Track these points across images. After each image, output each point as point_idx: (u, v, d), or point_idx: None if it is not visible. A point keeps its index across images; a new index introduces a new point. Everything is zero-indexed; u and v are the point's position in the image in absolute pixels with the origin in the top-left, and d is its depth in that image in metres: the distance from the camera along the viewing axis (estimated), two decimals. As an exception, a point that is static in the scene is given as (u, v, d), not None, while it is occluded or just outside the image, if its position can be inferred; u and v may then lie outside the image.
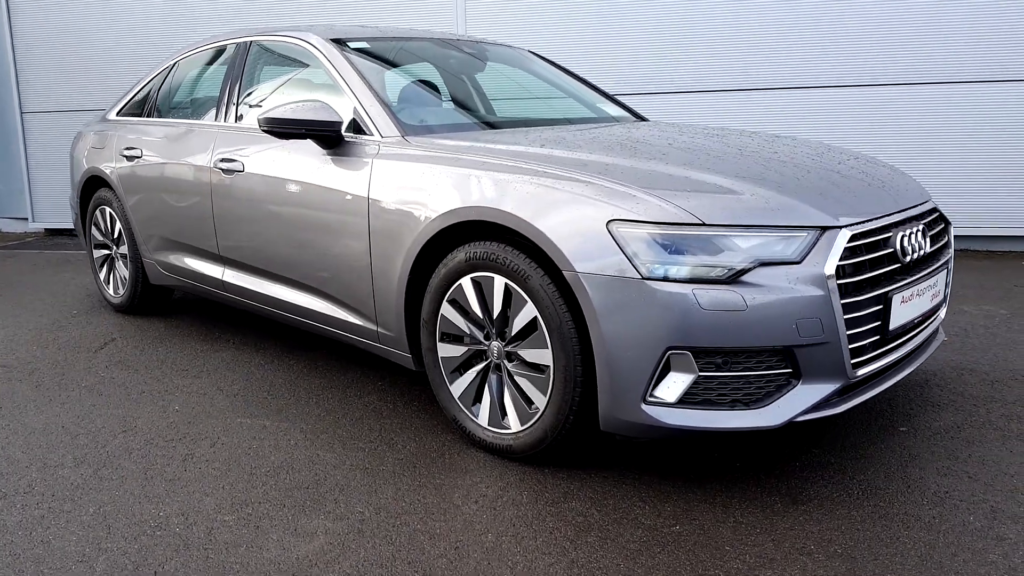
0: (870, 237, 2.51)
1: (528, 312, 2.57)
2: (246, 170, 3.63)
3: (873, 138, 6.20)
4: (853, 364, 2.44)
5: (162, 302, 4.85)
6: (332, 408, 3.27)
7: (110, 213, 4.80)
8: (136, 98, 4.88)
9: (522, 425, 2.67)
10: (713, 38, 6.42)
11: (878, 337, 2.52)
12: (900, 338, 2.64)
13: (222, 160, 3.78)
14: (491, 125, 3.56)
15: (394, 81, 3.66)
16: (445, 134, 3.17)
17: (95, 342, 4.32)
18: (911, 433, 2.89)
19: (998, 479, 2.53)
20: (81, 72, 7.96)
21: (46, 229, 8.46)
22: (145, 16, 7.69)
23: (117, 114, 4.97)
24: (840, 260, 2.37)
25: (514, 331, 2.64)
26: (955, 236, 6.02)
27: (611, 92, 6.57)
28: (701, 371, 2.34)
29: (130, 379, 3.70)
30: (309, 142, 3.30)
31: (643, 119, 4.15)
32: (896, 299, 2.52)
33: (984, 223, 6.12)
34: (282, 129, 3.15)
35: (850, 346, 2.41)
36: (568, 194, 2.49)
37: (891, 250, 2.57)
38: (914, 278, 2.63)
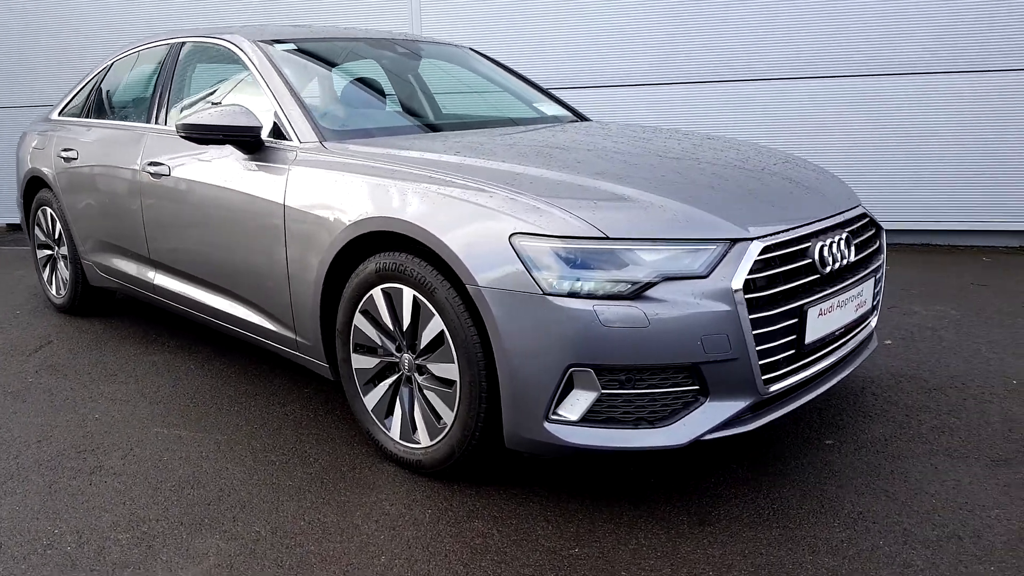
0: (785, 248, 2.44)
1: (435, 325, 2.50)
2: (172, 174, 3.55)
3: (843, 130, 6.13)
4: (765, 380, 2.37)
5: (103, 303, 4.76)
6: (252, 417, 3.19)
7: (51, 214, 4.71)
8: (76, 99, 4.78)
9: (431, 440, 2.60)
10: (674, 30, 6.33)
11: (793, 352, 2.45)
12: (818, 351, 2.57)
13: (150, 163, 3.69)
14: (420, 128, 3.47)
15: (324, 83, 3.57)
16: (365, 139, 3.08)
17: (31, 344, 4.24)
18: (836, 447, 2.82)
19: (916, 499, 2.47)
20: (36, 68, 7.83)
21: (7, 224, 8.35)
22: (98, 11, 7.56)
23: (59, 114, 4.87)
24: (751, 273, 2.30)
25: (423, 344, 2.56)
26: (916, 231, 5.96)
27: (572, 86, 6.49)
28: (604, 389, 2.27)
29: (57, 385, 3.62)
30: (232, 147, 3.20)
31: (583, 118, 4.06)
32: (812, 312, 2.45)
33: (947, 218, 6.06)
34: (199, 135, 3.07)
35: (761, 362, 2.34)
36: (473, 206, 2.42)
37: (809, 261, 2.50)
38: (834, 289, 2.55)
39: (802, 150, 6.16)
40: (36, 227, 4.94)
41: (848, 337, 2.75)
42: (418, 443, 2.65)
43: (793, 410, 2.64)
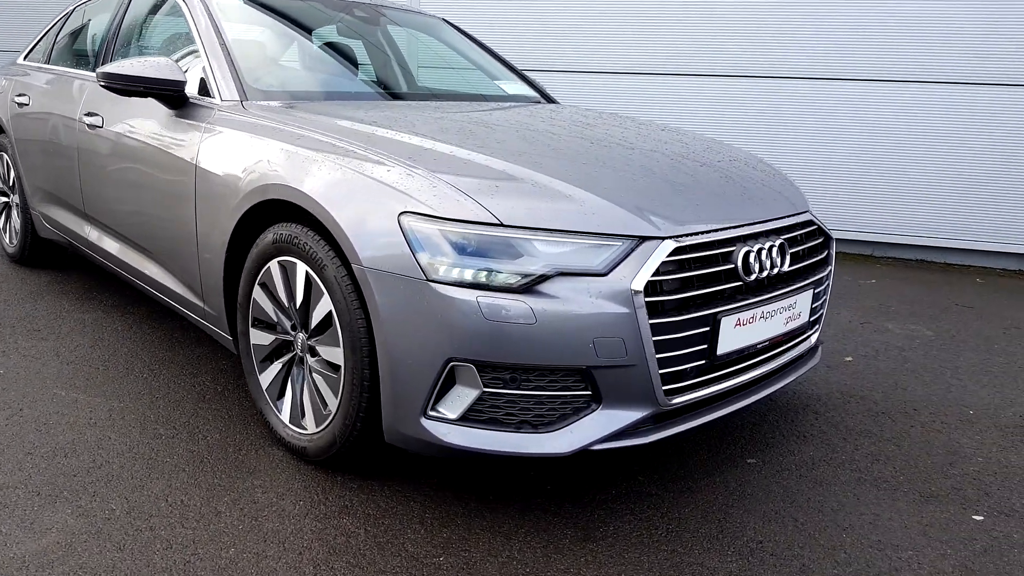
0: (703, 251, 2.24)
1: (325, 305, 2.33)
2: (105, 126, 3.40)
3: (840, 136, 5.87)
4: (666, 391, 2.19)
5: (54, 256, 4.65)
6: (158, 386, 3.05)
7: (7, 160, 4.59)
8: (40, 43, 4.65)
9: (316, 427, 2.45)
10: (674, 23, 6.09)
11: (703, 362, 2.26)
12: (734, 364, 2.38)
13: (87, 114, 3.55)
14: (364, 96, 3.30)
15: (276, 41, 3.39)
16: (291, 102, 2.91)
17: (-31, 293, 4.13)
18: (757, 467, 2.63)
19: (826, 531, 2.28)
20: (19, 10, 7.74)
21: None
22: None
23: (23, 59, 4.75)
24: (657, 274, 2.12)
25: (313, 324, 2.40)
26: (912, 245, 5.71)
27: (556, 69, 6.26)
28: (487, 387, 2.10)
29: (-23, 337, 3.50)
30: (156, 101, 3.05)
31: (551, 100, 3.86)
32: (728, 321, 2.26)
33: (944, 234, 5.80)
34: (121, 86, 2.91)
35: (662, 371, 2.15)
36: (367, 179, 2.24)
37: (731, 266, 2.30)
38: (758, 299, 2.36)
39: (797, 155, 5.91)
40: (-9, 174, 4.83)
41: (776, 351, 2.55)
42: (305, 429, 2.49)
43: (708, 424, 2.46)
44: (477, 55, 4.04)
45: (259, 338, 2.63)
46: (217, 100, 2.91)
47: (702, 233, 2.25)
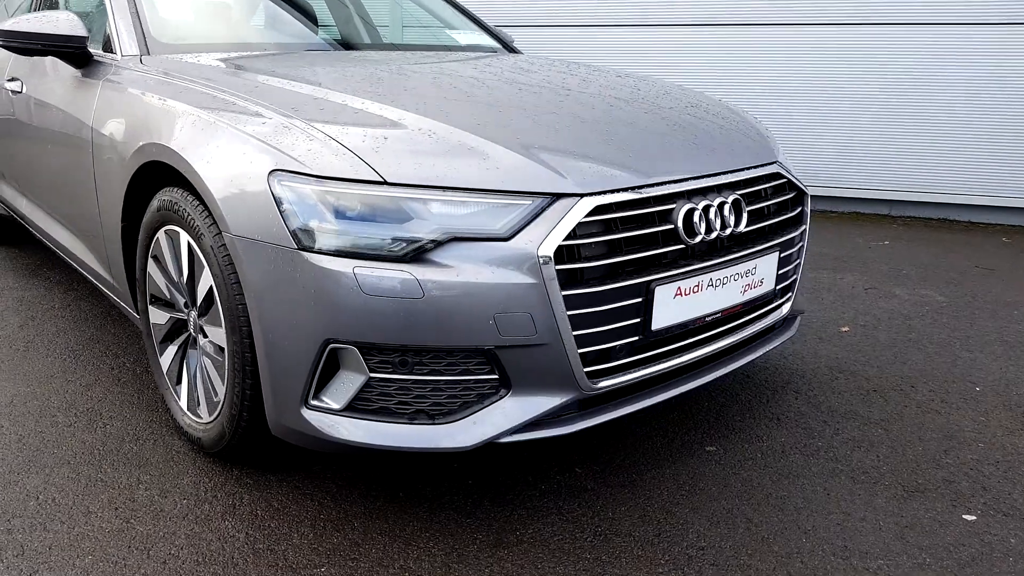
0: (634, 209, 1.92)
1: (206, 279, 2.06)
2: (24, 91, 3.15)
3: (848, 84, 5.42)
4: (590, 373, 1.88)
5: (9, 230, 4.44)
6: (75, 368, 2.82)
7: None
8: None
9: (210, 416, 2.18)
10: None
11: (635, 339, 1.94)
12: (676, 341, 2.05)
13: (9, 79, 3.30)
14: (288, 47, 2.98)
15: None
16: (197, 56, 2.61)
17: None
18: (717, 456, 2.31)
19: (783, 534, 1.96)
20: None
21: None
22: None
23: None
24: (574, 238, 1.80)
25: (198, 301, 2.13)
26: (933, 203, 5.28)
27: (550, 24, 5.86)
28: (373, 372, 1.81)
29: (-95, 317, 3.30)
30: (58, 59, 2.78)
31: (513, 51, 3.51)
32: (664, 291, 1.94)
33: (968, 190, 5.34)
34: (19, 43, 2.64)
35: (583, 350, 1.84)
36: (239, 134, 1.95)
37: (669, 227, 1.97)
38: (704, 265, 2.03)
39: (809, 108, 5.48)
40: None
41: (732, 325, 2.21)
42: (200, 418, 2.23)
43: (667, 407, 2.16)
44: (435, 4, 3.69)
45: (157, 316, 2.37)
46: (117, 56, 2.63)
47: (632, 189, 1.92)
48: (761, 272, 2.21)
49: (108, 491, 2.09)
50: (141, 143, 2.21)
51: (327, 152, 1.81)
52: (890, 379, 2.85)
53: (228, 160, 1.92)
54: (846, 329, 3.33)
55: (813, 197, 5.57)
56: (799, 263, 2.45)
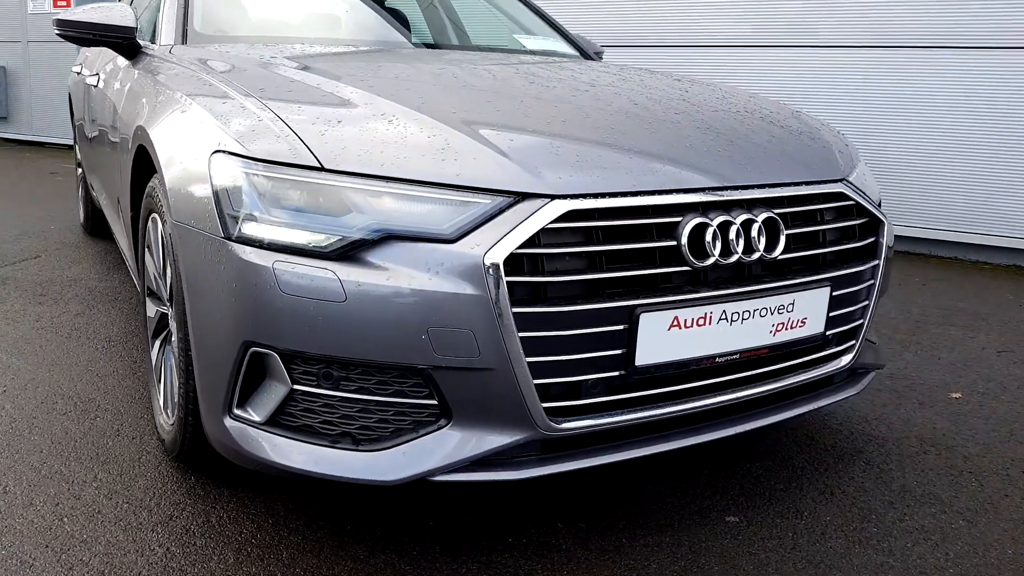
0: (624, 218, 1.60)
1: (171, 271, 1.92)
2: (98, 85, 3.22)
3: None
4: (550, 410, 1.57)
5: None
6: (103, 358, 2.79)
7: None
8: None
9: (171, 417, 2.04)
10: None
11: (616, 374, 1.61)
12: (676, 383, 1.70)
13: (92, 74, 3.40)
14: (330, 42, 2.85)
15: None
16: (225, 45, 2.53)
17: (22, 255, 4.14)
18: (736, 529, 1.92)
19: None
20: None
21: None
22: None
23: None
24: (535, 246, 1.52)
25: (169, 293, 2.00)
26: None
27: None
28: (296, 384, 1.59)
29: (-14, 297, 3.43)
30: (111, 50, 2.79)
31: (589, 57, 3.24)
32: (653, 320, 1.60)
33: None
34: (74, 33, 2.66)
35: (540, 381, 1.54)
36: (199, 114, 1.81)
37: (671, 243, 1.63)
38: (715, 294, 1.67)
39: (962, 143, 4.82)
40: (76, 143, 4.90)
41: (759, 371, 1.82)
42: (168, 419, 2.09)
43: (698, 460, 1.81)
44: (516, 10, 3.48)
45: (150, 309, 2.27)
46: (156, 45, 2.59)
47: (623, 195, 1.60)
48: (803, 310, 1.81)
49: (60, 485, 1.98)
50: (135, 126, 2.12)
51: (270, 133, 1.62)
52: (995, 460, 2.32)
53: (180, 141, 1.78)
54: (958, 395, 2.78)
55: (966, 245, 4.88)
56: (867, 304, 2.01)
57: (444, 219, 1.52)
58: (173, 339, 2.01)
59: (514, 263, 1.51)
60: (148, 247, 2.19)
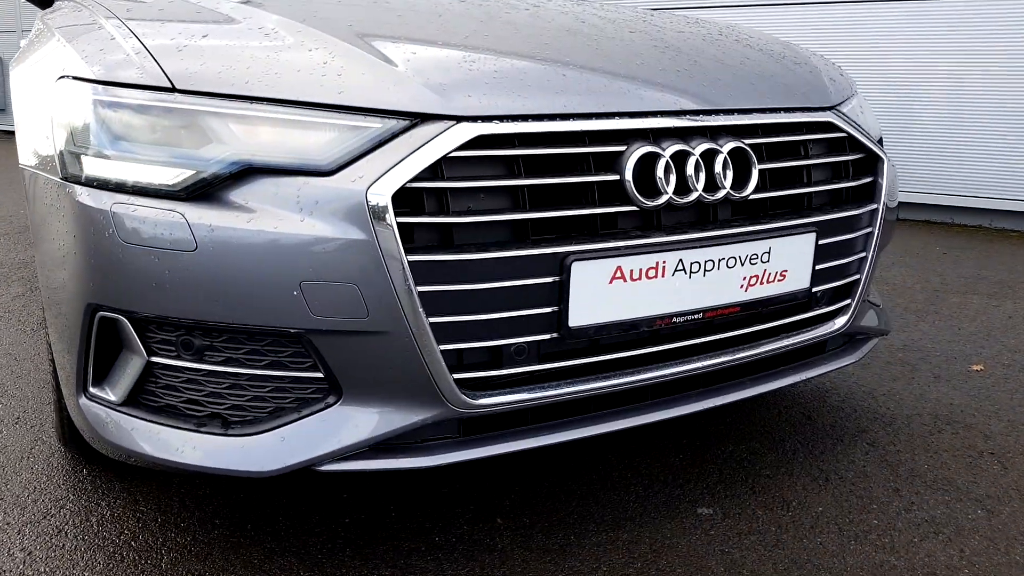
0: (548, 146, 1.30)
1: (42, 228, 1.64)
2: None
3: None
4: (462, 383, 1.27)
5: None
6: (3, 342, 2.53)
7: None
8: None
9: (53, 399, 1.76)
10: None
11: (546, 337, 1.31)
12: (625, 348, 1.40)
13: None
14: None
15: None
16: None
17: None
18: (707, 523, 1.62)
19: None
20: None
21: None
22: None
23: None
24: (437, 180, 1.22)
25: (46, 257, 1.72)
26: None
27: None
28: (153, 355, 1.30)
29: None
30: None
31: None
32: (589, 270, 1.30)
33: None
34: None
35: (446, 346, 1.24)
36: (52, 39, 1.53)
37: (613, 176, 1.33)
38: (669, 239, 1.36)
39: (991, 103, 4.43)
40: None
41: (730, 334, 1.51)
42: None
43: (676, 438, 1.53)
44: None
45: (47, 280, 1.99)
46: (64, -16, 2.30)
47: (551, 118, 1.30)
48: (781, 260, 1.50)
49: (44, 472, 1.73)
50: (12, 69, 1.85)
51: (121, 53, 1.34)
52: (1021, 440, 1.99)
53: (30, 74, 1.50)
54: (979, 368, 2.45)
55: (991, 211, 4.50)
56: (865, 257, 1.69)
57: (321, 148, 1.23)
58: (57, 311, 1.74)
59: (411, 201, 1.21)
60: (39, 208, 1.91)
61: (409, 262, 1.20)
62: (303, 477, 1.70)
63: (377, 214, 1.18)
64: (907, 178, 4.64)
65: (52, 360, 1.54)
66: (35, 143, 1.40)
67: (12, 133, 9.17)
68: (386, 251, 1.19)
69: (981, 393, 2.27)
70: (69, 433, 1.65)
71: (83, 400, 1.38)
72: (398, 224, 1.19)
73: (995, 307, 3.08)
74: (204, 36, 1.37)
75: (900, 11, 4.60)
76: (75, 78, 1.33)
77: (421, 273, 1.21)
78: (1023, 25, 4.30)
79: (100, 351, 1.34)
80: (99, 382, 1.37)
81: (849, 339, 1.80)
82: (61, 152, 1.30)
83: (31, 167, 1.41)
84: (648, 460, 1.83)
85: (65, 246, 1.30)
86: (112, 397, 1.35)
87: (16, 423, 1.99)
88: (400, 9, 1.64)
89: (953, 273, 3.53)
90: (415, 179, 1.20)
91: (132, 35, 1.37)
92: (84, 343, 1.33)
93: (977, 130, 4.52)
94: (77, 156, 1.28)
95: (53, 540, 1.53)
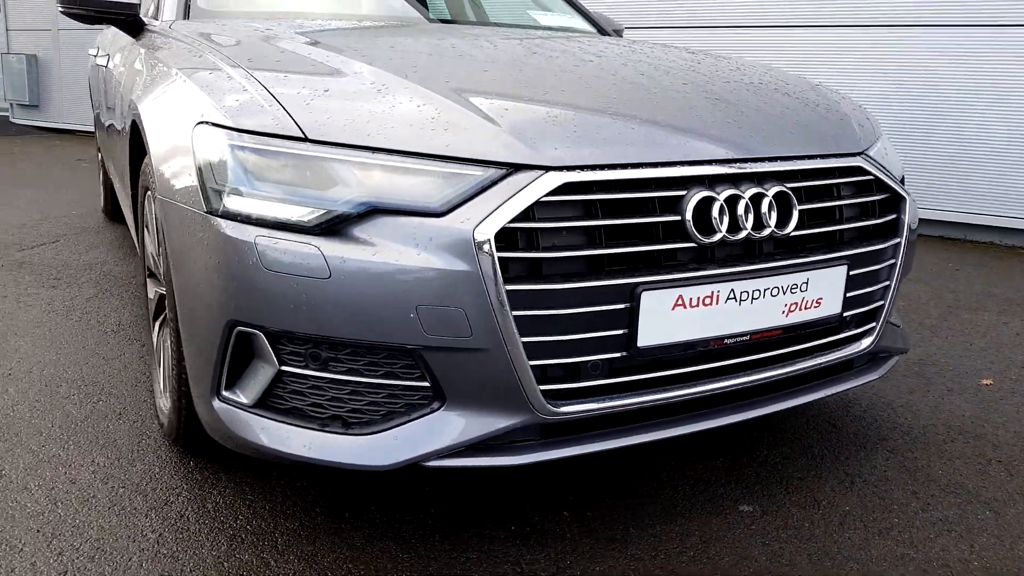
0: (622, 191, 1.52)
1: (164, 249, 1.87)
2: (107, 64, 3.19)
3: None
4: (547, 393, 1.50)
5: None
6: (110, 343, 2.77)
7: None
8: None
9: (169, 401, 1.99)
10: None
11: (618, 355, 1.53)
12: (684, 365, 1.62)
13: (101, 55, 3.37)
14: (334, 16, 2.79)
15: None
16: (226, 20, 2.47)
17: (44, 238, 4.15)
18: (749, 519, 1.83)
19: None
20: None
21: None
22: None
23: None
24: (529, 220, 1.44)
25: (165, 273, 1.95)
26: None
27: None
28: (284, 365, 1.53)
29: (7, 282, 3.43)
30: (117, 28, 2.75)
31: (606, 33, 3.15)
32: (656, 298, 1.52)
33: None
34: (78, 10, 2.61)
35: (535, 362, 1.47)
36: (185, 86, 1.75)
37: (675, 218, 1.55)
38: (723, 272, 1.59)
39: (991, 120, 4.64)
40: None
41: (772, 354, 1.73)
42: (166, 402, 2.05)
43: (717, 444, 1.74)
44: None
45: (150, 290, 2.24)
46: (158, 22, 2.54)
47: (622, 167, 1.52)
48: (817, 290, 1.72)
49: (56, 469, 1.95)
50: (132, 104, 2.08)
51: (254, 103, 1.56)
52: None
53: (166, 114, 1.73)
54: (989, 382, 2.66)
55: (1002, 230, 4.70)
56: (888, 285, 1.91)
57: (433, 192, 1.45)
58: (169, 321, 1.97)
59: (507, 238, 1.44)
60: (147, 226, 2.15)
61: (507, 290, 1.42)
62: (385, 474, 1.92)
63: (481, 250, 1.40)
64: (923, 195, 4.84)
65: (177, 365, 1.76)
66: (174, 178, 1.62)
67: (49, 129, 9.45)
68: (488, 281, 1.41)
69: (990, 406, 2.48)
70: (185, 430, 1.87)
71: (216, 402, 1.60)
72: (498, 258, 1.41)
73: (1004, 324, 3.29)
74: (325, 91, 1.59)
75: (916, 36, 4.81)
76: (214, 124, 1.56)
77: (516, 299, 1.43)
78: (1035, 53, 4.50)
79: (234, 361, 1.57)
80: (231, 387, 1.59)
81: (873, 357, 2.01)
82: (205, 190, 1.53)
83: (169, 199, 1.63)
84: (692, 464, 2.05)
85: (208, 270, 1.53)
86: (244, 400, 1.57)
87: (118, 419, 2.22)
88: (484, 63, 1.86)
89: (965, 290, 3.74)
90: (512, 220, 1.42)
91: (261, 86, 1.60)
92: (221, 353, 1.56)
93: (989, 149, 4.73)
94: (219, 193, 1.51)
95: (178, 524, 1.75)
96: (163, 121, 1.73)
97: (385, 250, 1.43)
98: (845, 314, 1.81)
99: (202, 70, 1.77)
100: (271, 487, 1.89)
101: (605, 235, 1.51)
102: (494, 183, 1.45)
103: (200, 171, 1.55)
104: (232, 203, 1.49)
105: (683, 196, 1.56)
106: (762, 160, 1.67)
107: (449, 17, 3.19)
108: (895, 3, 4.85)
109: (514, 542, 1.71)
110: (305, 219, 1.45)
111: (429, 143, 1.48)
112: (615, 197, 1.51)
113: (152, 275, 2.20)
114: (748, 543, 1.73)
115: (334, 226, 1.44)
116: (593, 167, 1.50)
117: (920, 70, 4.83)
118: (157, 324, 2.16)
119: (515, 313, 1.43)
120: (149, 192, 1.98)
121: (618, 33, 3.24)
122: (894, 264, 1.91)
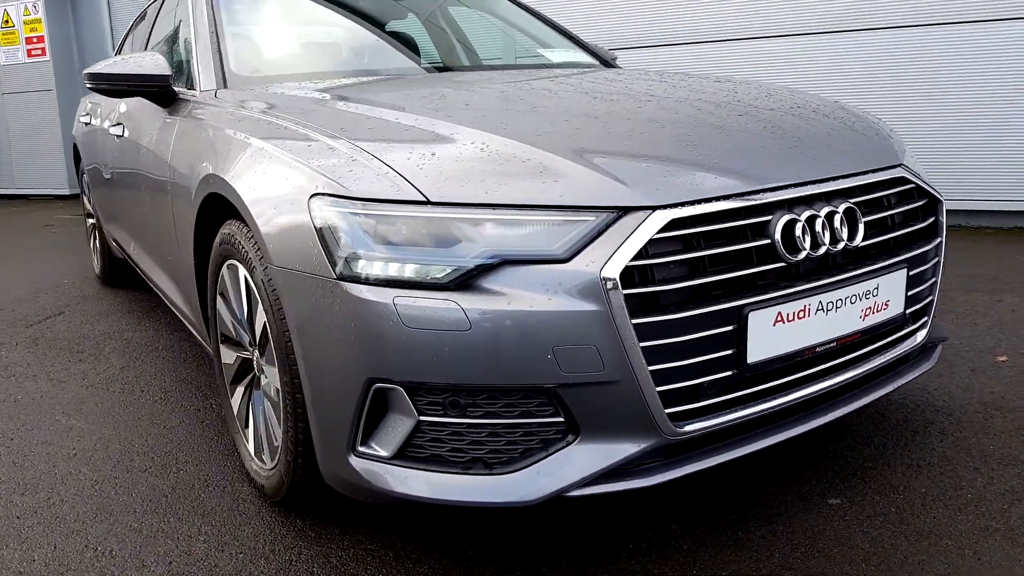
0: (720, 222, 1.65)
1: (261, 316, 1.93)
2: (125, 135, 3.21)
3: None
4: (672, 415, 1.61)
5: (134, 275, 4.58)
6: (165, 410, 2.78)
7: (86, 178, 4.60)
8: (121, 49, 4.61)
9: (271, 462, 2.05)
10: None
11: (729, 373, 1.66)
12: (782, 376, 1.75)
13: (114, 124, 3.39)
14: (366, 72, 2.88)
15: (280, 23, 3.07)
16: (270, 86, 2.54)
17: (48, 311, 4.11)
18: (841, 511, 1.97)
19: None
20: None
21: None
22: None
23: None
24: (643, 258, 1.55)
25: (258, 338, 2.01)
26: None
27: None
28: (423, 415, 1.61)
29: (21, 358, 3.40)
30: (146, 100, 2.79)
31: (610, 66, 3.30)
32: (761, 317, 1.65)
33: None
34: (107, 85, 2.66)
35: (662, 388, 1.58)
36: (284, 158, 1.83)
37: (766, 241, 1.68)
38: (811, 286, 1.72)
39: (961, 114, 4.94)
40: (83, 194, 4.86)
41: (852, 356, 1.88)
42: (264, 464, 2.10)
43: (779, 451, 1.85)
44: (528, 24, 3.53)
45: (227, 356, 2.28)
46: (196, 91, 2.60)
47: (716, 199, 1.65)
48: (885, 293, 1.88)
49: (166, 542, 1.99)
50: (203, 175, 2.14)
51: (369, 172, 1.65)
52: (1061, 418, 2.39)
53: (271, 186, 1.80)
54: (1004, 359, 2.87)
55: (970, 212, 5.02)
56: (935, 281, 2.08)
57: (554, 240, 1.56)
58: (266, 383, 2.03)
59: (626, 275, 1.55)
60: (221, 294, 2.20)
61: (633, 324, 1.53)
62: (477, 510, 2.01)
63: (609, 289, 1.51)
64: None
65: (293, 427, 1.82)
66: (292, 248, 1.70)
67: (3, 196, 9.21)
68: (617, 317, 1.52)
69: (1012, 380, 2.68)
70: (297, 490, 1.93)
71: (352, 458, 1.68)
72: (624, 295, 1.52)
73: (998, 302, 3.52)
74: (432, 154, 1.69)
75: (943, 35, 5.01)
76: (333, 195, 1.64)
77: (642, 331, 1.55)
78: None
79: (369, 416, 1.65)
80: (366, 441, 1.67)
81: (923, 348, 2.18)
82: (331, 257, 1.61)
83: (289, 268, 1.70)
84: (769, 467, 2.18)
85: (341, 332, 1.60)
86: (383, 452, 1.65)
87: (206, 487, 2.26)
88: (557, 112, 1.98)
89: (950, 272, 3.97)
90: (633, 258, 1.54)
91: (371, 155, 1.69)
92: (358, 411, 1.64)
93: (952, 136, 5.03)
94: (347, 260, 1.59)
95: (309, 579, 1.81)
96: (266, 194, 1.80)
97: (517, 298, 1.52)
98: (907, 312, 1.96)
99: (295, 141, 1.85)
100: (387, 534, 1.96)
101: (708, 263, 1.63)
102: (608, 226, 1.57)
103: (323, 240, 1.62)
104: (361, 268, 1.58)
105: (770, 220, 1.70)
106: (827, 180, 1.82)
107: (440, 61, 3.30)
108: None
109: (637, 558, 1.82)
110: (439, 276, 1.54)
111: (544, 194, 1.59)
112: (712, 228, 1.64)
113: (227, 340, 2.25)
114: (849, 533, 1.87)
115: (467, 280, 1.54)
116: (692, 202, 1.63)
117: (900, 67, 5.10)
118: (240, 388, 2.21)
119: (642, 344, 1.54)
120: (231, 261, 2.04)
121: (614, 61, 3.40)
122: (938, 262, 2.08)
